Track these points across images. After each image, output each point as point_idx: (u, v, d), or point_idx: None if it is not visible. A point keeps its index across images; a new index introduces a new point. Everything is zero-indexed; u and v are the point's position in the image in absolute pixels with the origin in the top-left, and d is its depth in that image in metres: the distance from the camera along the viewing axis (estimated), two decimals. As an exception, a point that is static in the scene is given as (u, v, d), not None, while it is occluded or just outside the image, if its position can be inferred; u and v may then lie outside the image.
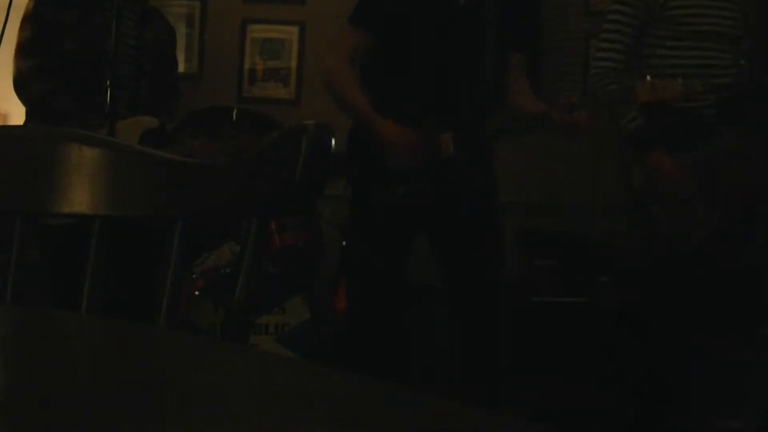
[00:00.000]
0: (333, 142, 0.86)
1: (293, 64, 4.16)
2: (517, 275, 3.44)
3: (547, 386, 3.04)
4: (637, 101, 2.19)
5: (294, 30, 4.16)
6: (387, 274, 2.41)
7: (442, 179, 2.33)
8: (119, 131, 2.41)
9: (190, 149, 2.56)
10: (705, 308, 2.50)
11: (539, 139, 2.78)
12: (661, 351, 2.53)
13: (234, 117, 3.14)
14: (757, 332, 2.70)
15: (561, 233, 3.66)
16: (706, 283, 2.47)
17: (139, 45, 2.59)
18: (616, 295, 3.25)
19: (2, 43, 1.93)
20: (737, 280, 2.57)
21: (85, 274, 0.91)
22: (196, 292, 2.86)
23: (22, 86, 2.48)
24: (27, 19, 2.49)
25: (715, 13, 2.33)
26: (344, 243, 3.21)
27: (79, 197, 0.92)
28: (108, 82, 2.22)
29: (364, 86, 2.43)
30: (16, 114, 4.07)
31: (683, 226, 2.36)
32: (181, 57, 3.25)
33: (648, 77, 2.16)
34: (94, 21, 2.30)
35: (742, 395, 2.66)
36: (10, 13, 1.98)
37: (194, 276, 2.92)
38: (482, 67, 2.34)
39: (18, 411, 0.43)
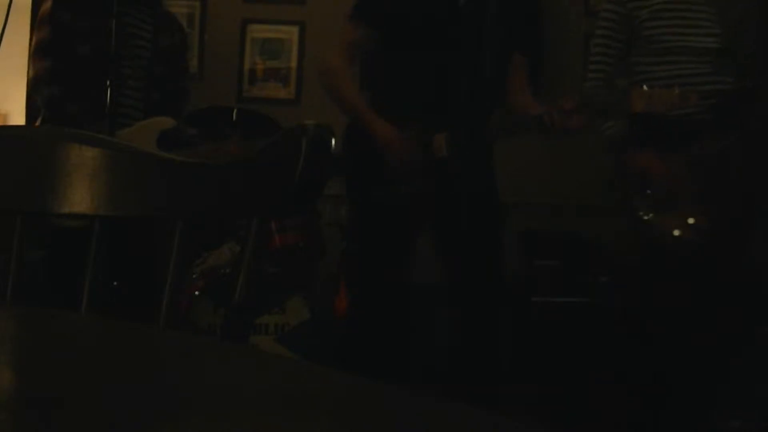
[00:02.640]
0: (333, 142, 0.86)
1: (293, 64, 4.16)
2: (518, 275, 3.43)
3: (547, 386, 3.04)
4: (631, 109, 2.28)
5: (294, 30, 4.16)
6: (386, 273, 2.41)
7: (437, 180, 2.33)
8: (137, 131, 2.42)
9: (206, 153, 2.58)
10: (705, 308, 2.50)
11: (539, 139, 2.79)
12: (661, 351, 2.53)
13: (234, 117, 3.14)
14: (757, 332, 2.70)
15: (561, 233, 3.66)
16: (706, 283, 2.48)
17: (153, 50, 2.60)
18: (616, 295, 3.25)
19: (2, 43, 1.93)
20: (737, 280, 2.57)
21: (85, 273, 0.91)
22: (196, 292, 2.86)
23: (39, 87, 2.49)
24: (44, 21, 2.49)
25: (690, 31, 2.48)
26: (345, 244, 3.21)
27: (79, 197, 0.92)
28: (108, 82, 2.22)
29: (363, 84, 2.43)
30: (16, 114, 4.07)
31: (669, 227, 2.40)
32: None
33: (644, 86, 2.25)
34: (108, 27, 2.29)
35: (742, 395, 2.66)
36: (11, 13, 1.98)
37: (194, 276, 2.92)
38: (482, 67, 2.34)
39: (18, 411, 0.43)
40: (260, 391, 0.49)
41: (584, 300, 3.36)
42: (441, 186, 2.34)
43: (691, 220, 2.38)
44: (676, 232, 2.38)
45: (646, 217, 2.43)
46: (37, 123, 2.55)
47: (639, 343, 2.63)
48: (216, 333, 2.78)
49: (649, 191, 2.43)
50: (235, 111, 3.19)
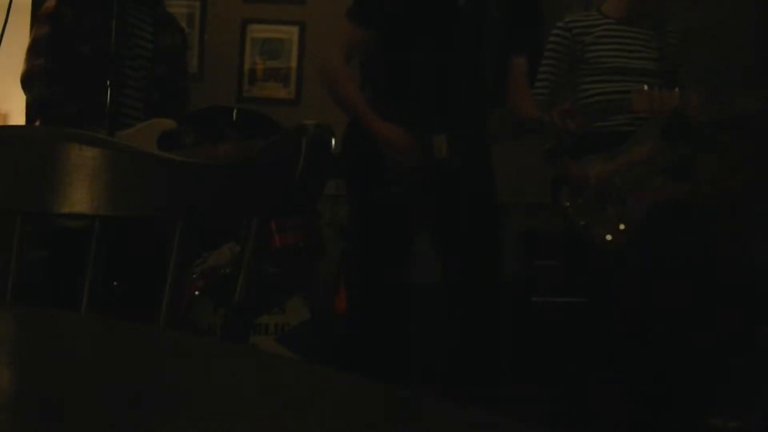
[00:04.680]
0: (333, 142, 0.86)
1: (293, 64, 4.16)
2: (518, 275, 3.43)
3: (546, 386, 3.04)
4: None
5: (294, 30, 4.16)
6: (386, 273, 2.41)
7: (437, 180, 2.33)
8: (137, 133, 2.42)
9: (205, 154, 2.58)
10: (705, 308, 2.50)
11: (539, 140, 2.80)
12: (661, 351, 2.53)
13: (234, 117, 3.15)
14: (757, 332, 2.70)
15: (561, 233, 3.66)
16: (706, 283, 2.48)
17: (153, 51, 2.60)
18: (616, 295, 3.25)
19: (2, 43, 1.92)
20: (737, 280, 2.58)
21: (85, 273, 0.91)
22: (196, 292, 2.86)
23: (30, 84, 2.48)
24: (45, 17, 2.48)
25: (629, 54, 2.75)
26: (345, 244, 3.20)
27: (79, 197, 0.92)
28: (109, 83, 2.22)
29: (363, 84, 2.43)
30: (16, 114, 4.07)
31: (601, 231, 2.61)
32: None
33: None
34: (111, 28, 2.29)
35: (742, 395, 2.66)
36: (11, 13, 1.98)
37: (194, 276, 2.92)
38: (482, 67, 2.34)
39: (18, 411, 0.43)
40: (260, 391, 0.49)
41: (584, 300, 3.35)
42: (441, 186, 2.34)
43: (621, 226, 2.56)
44: (608, 237, 2.58)
45: (582, 223, 2.64)
46: (37, 123, 2.55)
47: (639, 343, 2.63)
48: (216, 333, 2.78)
49: (580, 199, 2.65)
50: (235, 111, 3.19)
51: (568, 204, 2.69)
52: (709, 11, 3.43)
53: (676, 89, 2.39)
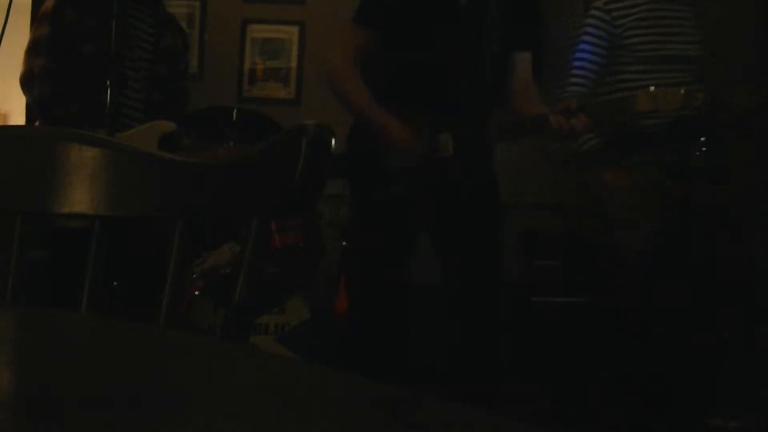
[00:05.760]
0: (333, 142, 0.86)
1: (293, 64, 4.16)
2: (518, 275, 3.43)
3: (546, 386, 3.04)
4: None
5: (294, 30, 4.16)
6: (386, 273, 2.41)
7: (440, 178, 2.33)
8: (137, 134, 2.42)
9: (215, 155, 2.58)
10: (705, 308, 2.50)
11: (540, 139, 2.79)
12: (661, 351, 2.53)
13: (234, 117, 3.14)
14: (757, 332, 2.70)
15: (561, 233, 3.66)
16: (706, 283, 2.48)
17: (154, 52, 2.60)
18: (616, 295, 3.25)
19: (2, 43, 1.92)
20: (737, 280, 2.58)
21: (85, 273, 0.91)
22: (196, 292, 2.86)
23: (30, 84, 2.48)
24: (45, 18, 2.48)
25: (670, 39, 2.56)
26: (344, 243, 3.20)
27: (79, 197, 0.92)
28: (109, 83, 2.22)
29: (365, 84, 2.42)
30: (16, 114, 4.07)
31: (633, 243, 2.53)
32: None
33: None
34: (111, 28, 2.28)
35: (742, 395, 2.66)
36: (11, 13, 1.98)
37: (194, 276, 2.92)
38: (482, 67, 2.33)
39: (18, 411, 0.43)
40: (260, 391, 0.49)
41: (584, 300, 3.35)
42: (442, 186, 2.34)
43: (632, 231, 2.49)
44: (637, 247, 2.50)
45: (618, 233, 2.53)
46: (37, 124, 2.55)
47: (639, 343, 2.63)
48: (216, 333, 2.78)
49: (611, 210, 2.55)
50: (235, 111, 3.19)
51: (595, 215, 2.59)
52: (709, 11, 3.42)
53: (681, 89, 2.34)
